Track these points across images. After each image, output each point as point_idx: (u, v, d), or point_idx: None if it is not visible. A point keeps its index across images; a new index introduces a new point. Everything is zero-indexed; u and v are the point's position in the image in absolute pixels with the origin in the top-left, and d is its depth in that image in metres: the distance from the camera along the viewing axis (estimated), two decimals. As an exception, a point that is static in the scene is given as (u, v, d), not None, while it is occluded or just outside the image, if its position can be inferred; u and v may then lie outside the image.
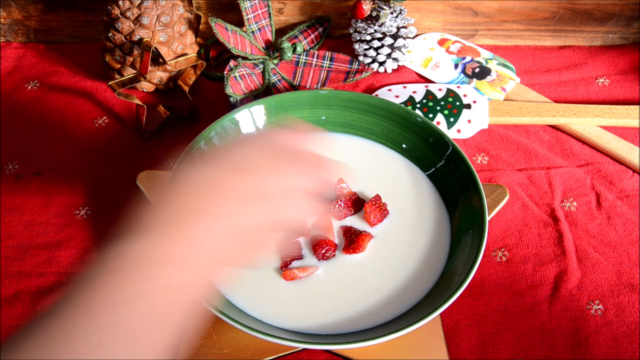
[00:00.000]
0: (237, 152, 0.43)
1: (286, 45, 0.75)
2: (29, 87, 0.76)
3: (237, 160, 0.42)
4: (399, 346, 0.55)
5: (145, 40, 0.68)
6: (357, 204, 0.61)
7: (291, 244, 0.58)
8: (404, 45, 0.76)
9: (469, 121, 0.71)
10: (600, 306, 0.59)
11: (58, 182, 0.67)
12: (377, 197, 0.60)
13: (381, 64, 0.77)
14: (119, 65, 0.72)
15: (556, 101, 0.75)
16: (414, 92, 0.74)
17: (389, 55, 0.76)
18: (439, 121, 0.71)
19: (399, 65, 0.78)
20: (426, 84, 0.75)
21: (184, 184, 0.40)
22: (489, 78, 0.76)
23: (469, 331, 0.57)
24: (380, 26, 0.74)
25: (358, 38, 0.76)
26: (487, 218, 0.57)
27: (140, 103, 0.69)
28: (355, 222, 0.61)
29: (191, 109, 0.72)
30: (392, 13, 0.74)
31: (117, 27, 0.69)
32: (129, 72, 0.72)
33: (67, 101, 0.75)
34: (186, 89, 0.73)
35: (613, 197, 0.66)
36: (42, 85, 0.77)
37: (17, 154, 0.70)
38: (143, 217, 0.38)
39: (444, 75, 0.77)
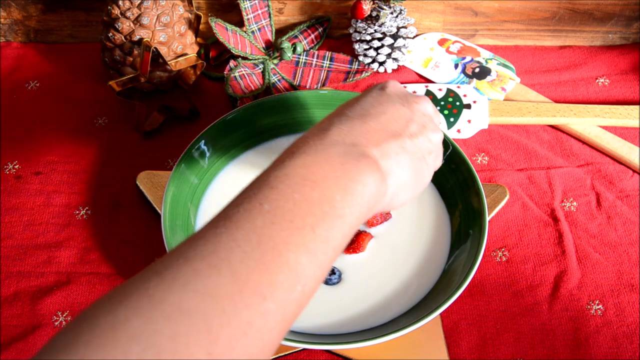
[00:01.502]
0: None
1: (286, 45, 0.75)
2: (29, 87, 0.76)
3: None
4: (399, 346, 0.55)
5: (145, 40, 0.68)
6: None
7: None
8: (404, 45, 0.76)
9: (469, 121, 0.71)
10: (600, 306, 0.59)
11: (58, 182, 0.67)
12: None
13: (381, 64, 0.77)
14: (119, 65, 0.72)
15: (556, 101, 0.75)
16: (414, 92, 0.74)
17: (389, 55, 0.76)
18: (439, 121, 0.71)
19: (399, 65, 0.78)
20: (426, 84, 0.75)
21: None
22: (489, 78, 0.76)
23: (469, 331, 0.57)
24: (380, 26, 0.74)
25: (358, 38, 0.76)
26: (487, 218, 0.57)
27: (140, 103, 0.69)
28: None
29: (191, 109, 0.72)
30: (392, 13, 0.74)
31: (117, 27, 0.69)
32: (129, 72, 0.72)
33: (67, 101, 0.75)
34: (186, 89, 0.73)
35: (613, 197, 0.66)
36: (42, 85, 0.77)
37: (17, 154, 0.70)
38: None
39: (444, 75, 0.77)
